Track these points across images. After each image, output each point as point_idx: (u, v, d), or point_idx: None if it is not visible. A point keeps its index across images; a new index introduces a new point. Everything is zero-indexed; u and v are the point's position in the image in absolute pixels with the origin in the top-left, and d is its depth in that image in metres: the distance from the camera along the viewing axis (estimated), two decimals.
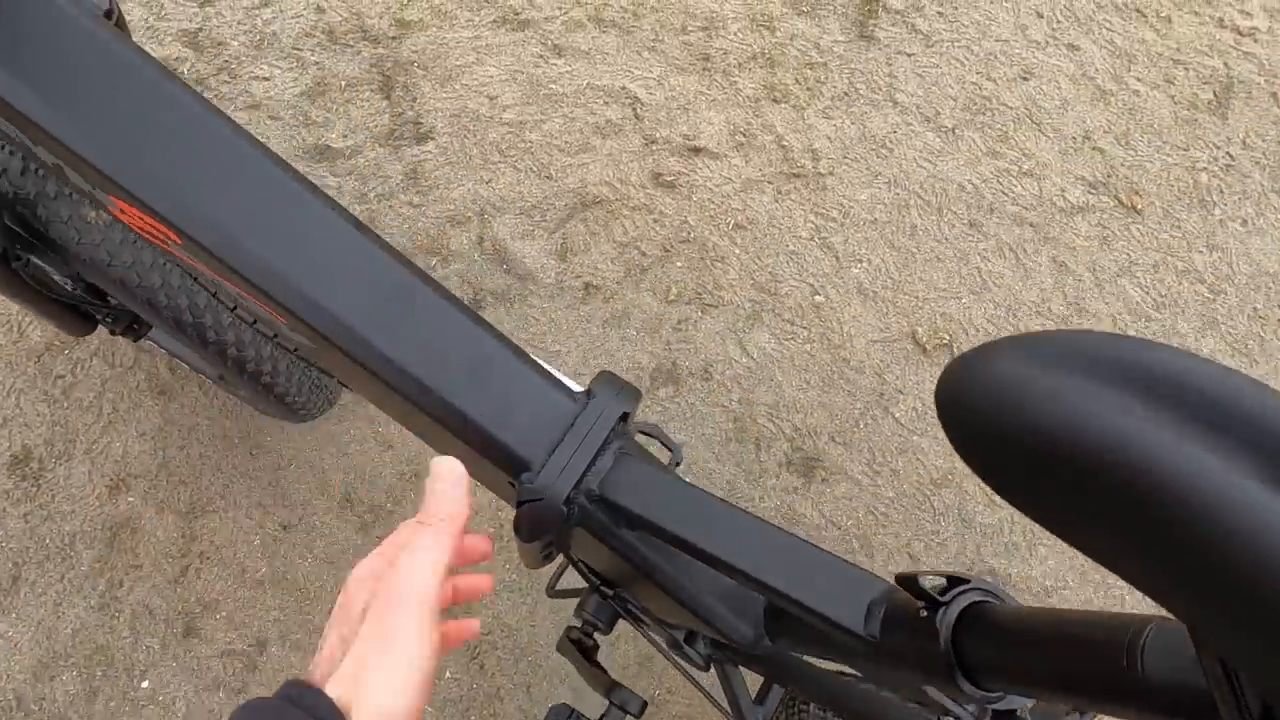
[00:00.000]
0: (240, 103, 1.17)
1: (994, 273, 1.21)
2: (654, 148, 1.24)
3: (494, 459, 0.40)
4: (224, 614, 0.92)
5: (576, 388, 0.43)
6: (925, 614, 0.29)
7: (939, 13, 1.38)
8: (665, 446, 0.74)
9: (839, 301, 1.17)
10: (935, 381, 0.27)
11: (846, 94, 1.33)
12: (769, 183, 1.24)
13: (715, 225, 1.21)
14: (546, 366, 0.43)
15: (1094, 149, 1.31)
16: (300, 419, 0.92)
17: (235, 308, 0.66)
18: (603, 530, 0.41)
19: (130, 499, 0.96)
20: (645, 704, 0.55)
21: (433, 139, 1.20)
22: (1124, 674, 0.23)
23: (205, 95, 1.17)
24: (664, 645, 0.60)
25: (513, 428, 0.40)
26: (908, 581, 0.30)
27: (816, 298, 1.17)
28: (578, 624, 0.63)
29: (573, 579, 0.64)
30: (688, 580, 0.42)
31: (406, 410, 0.43)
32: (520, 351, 0.43)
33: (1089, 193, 1.29)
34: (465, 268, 1.13)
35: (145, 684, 0.88)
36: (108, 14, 0.44)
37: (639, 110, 1.26)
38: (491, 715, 0.91)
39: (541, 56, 1.25)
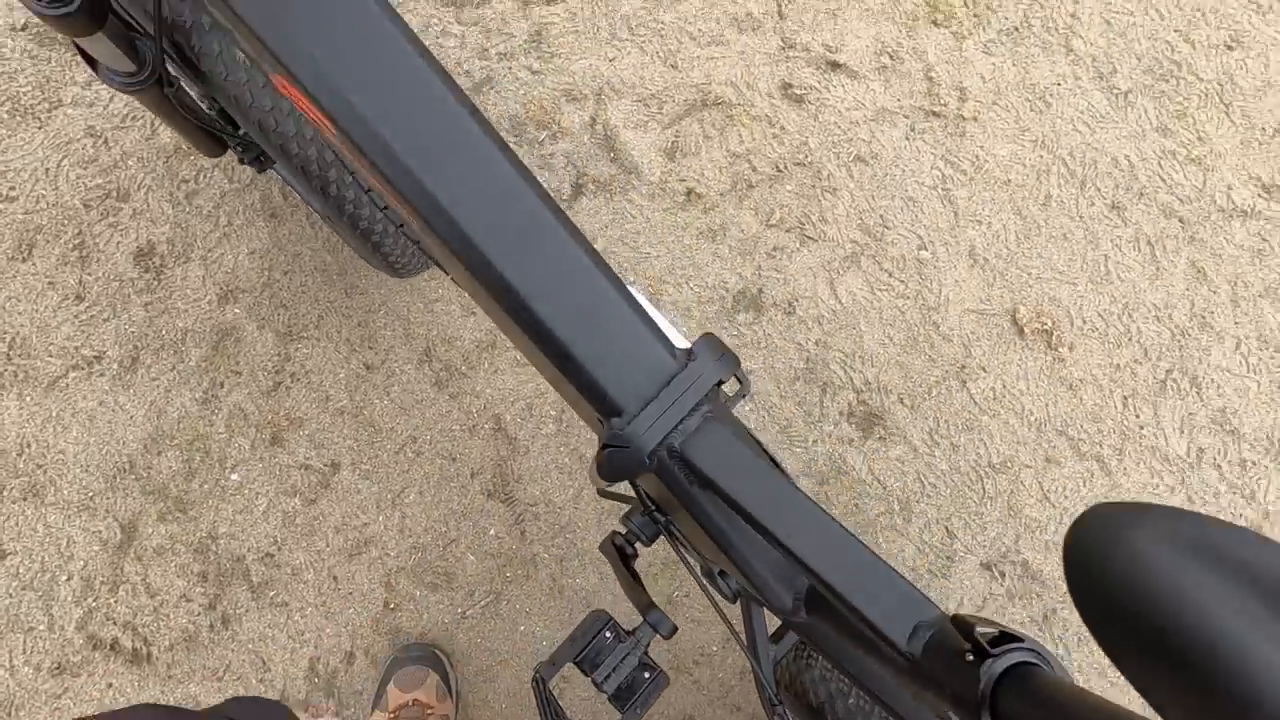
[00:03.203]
0: None
1: (1122, 264, 1.12)
2: (791, 54, 1.16)
3: (589, 397, 0.42)
4: (306, 432, 1.01)
5: (682, 343, 0.43)
6: (971, 659, 0.31)
7: None
8: (736, 379, 0.75)
9: (945, 261, 1.11)
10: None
11: (1017, 29, 1.19)
12: (904, 116, 1.15)
13: (836, 153, 1.14)
14: (656, 315, 0.44)
15: None
16: (396, 275, 0.95)
17: (368, 190, 0.67)
18: (675, 484, 0.43)
19: (236, 310, 1.04)
20: (675, 629, 0.60)
21: (564, 0, 1.14)
22: None
23: None
24: (698, 572, 0.64)
25: (613, 374, 0.42)
26: (962, 625, 0.31)
27: (923, 252, 1.12)
28: (622, 531, 0.68)
29: (624, 486, 0.68)
30: (744, 545, 0.45)
31: (513, 330, 0.44)
32: (633, 300, 0.44)
33: (1260, 196, 1.15)
34: (572, 148, 1.11)
35: (234, 476, 1.00)
36: None
37: (784, 8, 1.16)
38: (524, 577, 1.01)
39: None
